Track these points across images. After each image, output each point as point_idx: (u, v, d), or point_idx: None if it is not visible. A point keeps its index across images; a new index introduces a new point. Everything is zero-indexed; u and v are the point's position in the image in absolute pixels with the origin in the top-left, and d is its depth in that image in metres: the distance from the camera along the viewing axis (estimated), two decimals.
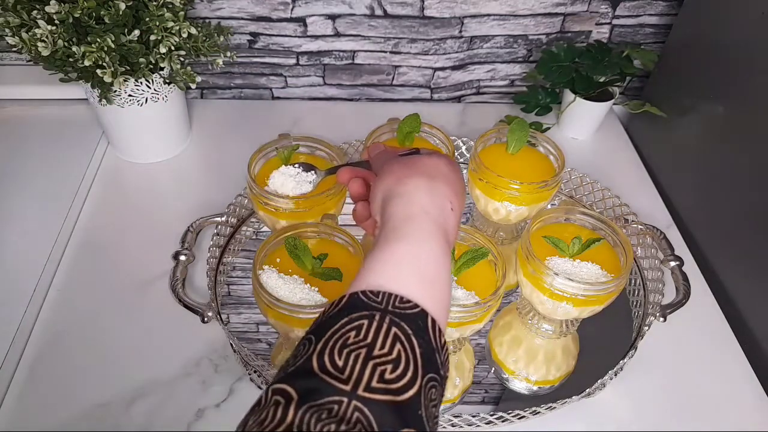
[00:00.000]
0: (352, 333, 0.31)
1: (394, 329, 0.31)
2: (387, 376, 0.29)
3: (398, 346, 0.31)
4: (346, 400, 0.28)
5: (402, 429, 0.28)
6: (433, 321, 0.33)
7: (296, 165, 0.61)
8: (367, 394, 0.28)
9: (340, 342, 0.31)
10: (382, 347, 0.31)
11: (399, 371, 0.30)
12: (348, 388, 0.29)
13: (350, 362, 0.30)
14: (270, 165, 0.65)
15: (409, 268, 0.35)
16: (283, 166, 0.62)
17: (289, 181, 0.60)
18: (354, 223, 0.73)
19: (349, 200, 0.75)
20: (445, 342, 0.34)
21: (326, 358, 0.30)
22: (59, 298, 0.65)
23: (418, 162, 0.43)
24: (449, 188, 0.42)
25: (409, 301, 0.33)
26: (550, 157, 0.69)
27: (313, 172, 0.60)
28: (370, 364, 0.30)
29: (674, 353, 0.65)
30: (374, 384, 0.29)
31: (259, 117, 0.92)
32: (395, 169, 0.43)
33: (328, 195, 0.61)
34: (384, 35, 0.89)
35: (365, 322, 0.32)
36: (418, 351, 0.31)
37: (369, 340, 0.31)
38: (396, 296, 0.33)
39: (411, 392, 0.30)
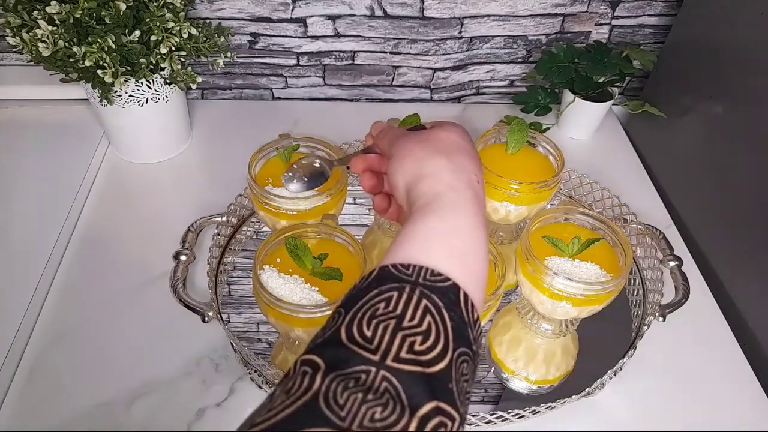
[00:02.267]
0: (382, 304, 0.31)
1: (424, 301, 0.31)
2: (417, 347, 0.29)
3: (428, 318, 0.30)
4: (374, 369, 0.28)
5: (431, 401, 0.27)
6: (465, 295, 0.32)
7: (295, 175, 0.54)
8: (395, 365, 0.28)
9: (369, 313, 0.30)
10: (412, 319, 0.30)
11: (429, 343, 0.29)
12: (376, 358, 0.28)
13: (379, 332, 0.29)
14: (270, 165, 0.66)
15: (438, 242, 0.35)
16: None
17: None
18: (354, 223, 0.74)
19: (349, 200, 0.76)
20: (478, 317, 0.33)
21: (355, 329, 0.30)
22: (60, 298, 0.66)
23: (434, 138, 0.42)
24: (470, 161, 0.41)
25: (440, 274, 0.32)
26: (550, 157, 0.69)
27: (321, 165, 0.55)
28: (400, 334, 0.29)
29: (673, 353, 0.65)
30: (403, 354, 0.28)
31: (260, 117, 0.93)
32: (411, 150, 0.41)
33: (328, 194, 0.61)
34: (384, 36, 0.89)
35: (395, 293, 0.31)
36: (449, 324, 0.30)
37: (399, 311, 0.30)
38: (426, 269, 0.32)
39: (441, 365, 0.29)
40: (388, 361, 0.28)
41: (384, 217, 0.50)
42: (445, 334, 0.30)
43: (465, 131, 0.44)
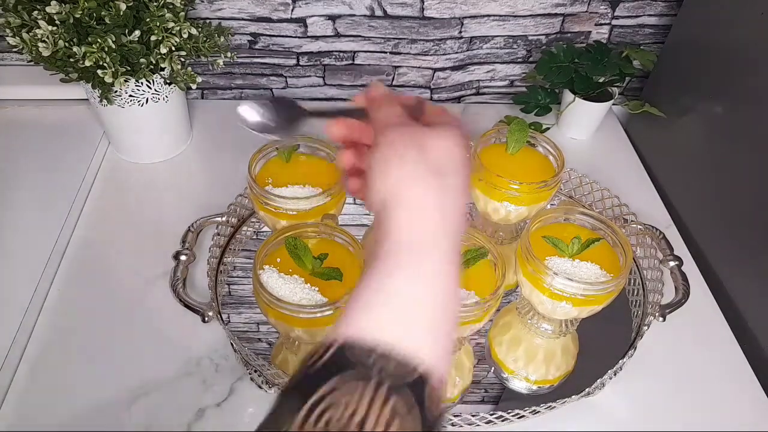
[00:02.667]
0: (342, 403, 0.26)
1: (390, 404, 0.26)
2: None
3: (395, 424, 0.26)
4: None
5: None
6: (434, 386, 0.28)
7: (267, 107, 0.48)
8: None
9: (327, 414, 0.26)
10: (376, 425, 0.26)
11: None
12: None
13: None
14: (270, 165, 0.66)
15: (410, 315, 0.30)
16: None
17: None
18: (354, 223, 0.73)
19: (349, 200, 0.76)
20: (442, 410, 0.29)
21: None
22: (60, 298, 0.66)
23: (429, 146, 0.34)
24: (461, 183, 0.34)
25: (407, 364, 0.28)
26: (550, 157, 0.69)
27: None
28: None
29: (673, 353, 0.65)
30: None
31: None
32: (403, 153, 0.34)
33: (328, 195, 0.61)
34: (384, 36, 0.89)
35: (357, 392, 0.26)
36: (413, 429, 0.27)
37: (361, 416, 0.26)
38: (392, 356, 0.28)
39: None
40: None
41: (362, 198, 0.43)
42: None
43: (460, 137, 0.36)
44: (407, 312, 0.30)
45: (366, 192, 0.37)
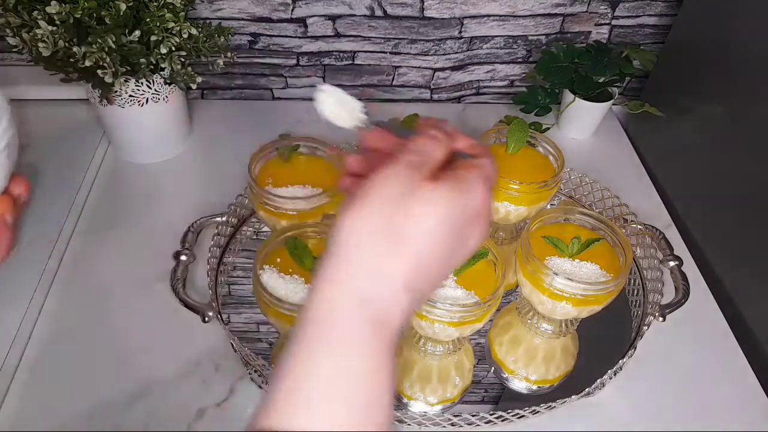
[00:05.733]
0: None
1: None
2: None
3: None
4: None
5: None
6: None
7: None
8: None
9: None
10: None
11: None
12: None
13: None
14: (270, 165, 0.66)
15: (329, 400, 0.26)
16: (343, 91, 0.47)
17: (338, 108, 0.47)
18: None
19: None
20: None
21: None
22: (60, 297, 0.65)
23: (403, 204, 0.29)
24: (415, 261, 0.29)
25: None
26: (550, 157, 0.69)
27: (367, 114, 0.46)
28: None
29: (673, 353, 0.65)
30: None
31: (260, 117, 0.93)
32: (374, 195, 0.29)
33: (328, 195, 0.61)
34: (384, 36, 0.89)
35: None
36: None
37: None
38: None
39: None
40: None
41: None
42: None
43: (464, 206, 0.31)
44: (329, 389, 0.27)
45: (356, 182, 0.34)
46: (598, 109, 0.89)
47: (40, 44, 0.63)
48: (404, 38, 0.90)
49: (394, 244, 0.29)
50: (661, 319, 0.62)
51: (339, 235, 0.29)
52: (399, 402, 0.60)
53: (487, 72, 0.97)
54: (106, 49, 0.64)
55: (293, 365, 0.27)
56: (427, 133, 0.34)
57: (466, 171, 0.32)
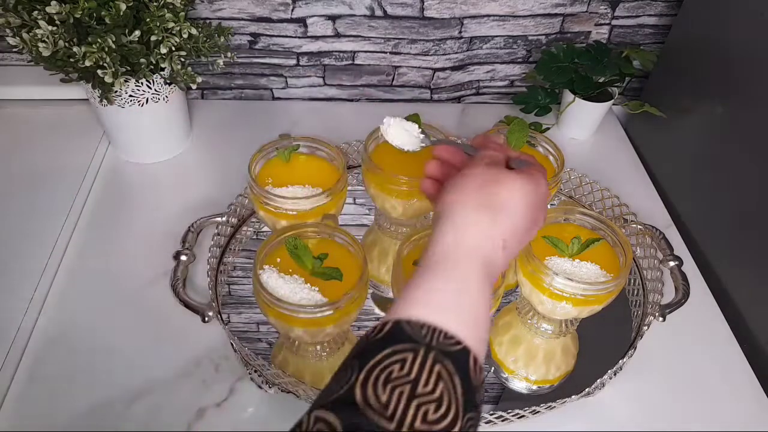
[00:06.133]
0: (396, 366, 0.31)
1: (437, 367, 0.32)
2: (430, 416, 0.30)
3: (441, 385, 0.31)
4: None
5: None
6: (475, 359, 0.34)
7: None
8: None
9: (384, 375, 0.31)
10: (426, 385, 0.31)
11: (441, 411, 0.30)
12: (392, 426, 0.29)
13: (394, 399, 0.30)
14: (270, 165, 0.66)
15: (453, 304, 0.35)
16: (401, 118, 0.58)
17: (403, 134, 0.57)
18: (354, 223, 0.74)
19: (349, 200, 0.76)
20: (483, 380, 0.35)
21: (370, 391, 0.30)
22: (60, 298, 0.66)
23: (492, 186, 0.41)
24: (510, 224, 0.40)
25: (452, 338, 0.33)
26: (550, 157, 0.69)
27: (424, 135, 0.57)
28: (414, 403, 0.30)
29: (673, 353, 0.65)
30: (417, 425, 0.29)
31: (260, 117, 0.93)
32: (467, 184, 0.42)
33: (328, 195, 0.61)
34: (384, 36, 0.89)
35: (409, 356, 0.32)
36: (459, 391, 0.32)
37: (413, 376, 0.31)
38: (440, 331, 0.33)
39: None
40: (403, 430, 0.29)
41: (429, 199, 0.52)
42: (456, 402, 0.31)
43: (538, 189, 0.43)
44: (447, 303, 0.35)
45: (437, 197, 0.47)
46: (598, 109, 0.89)
47: (40, 44, 0.63)
48: (404, 38, 0.90)
49: (493, 214, 0.40)
50: (661, 319, 0.62)
51: (450, 208, 0.40)
52: None
53: (487, 72, 0.97)
54: (106, 49, 0.64)
55: (420, 284, 0.36)
56: (488, 146, 0.48)
57: (534, 169, 0.44)
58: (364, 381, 0.31)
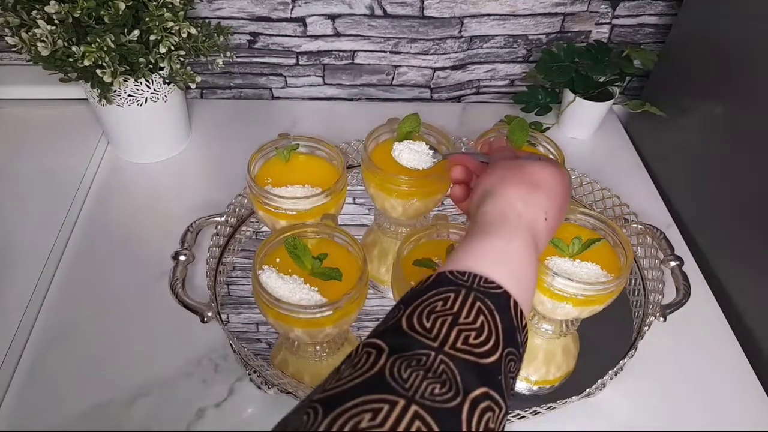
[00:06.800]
0: (439, 302, 0.34)
1: (478, 303, 0.34)
2: (471, 341, 0.32)
3: (482, 317, 0.33)
4: (433, 353, 0.31)
5: (482, 387, 0.30)
6: (515, 302, 0.35)
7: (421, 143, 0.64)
8: (452, 352, 0.31)
9: (428, 309, 0.33)
10: (467, 317, 0.33)
11: (482, 338, 0.32)
12: (435, 344, 0.31)
13: (437, 325, 0.32)
14: (270, 165, 0.65)
15: (496, 258, 0.38)
16: (408, 141, 0.64)
17: (414, 155, 0.62)
18: (354, 223, 0.74)
19: (349, 200, 0.76)
20: (525, 324, 0.36)
21: (415, 320, 0.33)
22: (59, 297, 0.65)
23: (524, 168, 0.45)
24: (548, 199, 0.43)
25: (493, 282, 0.35)
26: (550, 156, 0.69)
27: (434, 151, 0.63)
28: (456, 328, 0.32)
29: (674, 353, 0.65)
30: (459, 345, 0.31)
31: (259, 117, 0.92)
32: (500, 170, 0.45)
33: (328, 194, 0.61)
34: (384, 35, 0.89)
35: (452, 294, 0.34)
36: (500, 325, 0.33)
37: (455, 309, 0.33)
38: (481, 277, 0.35)
39: (492, 358, 0.32)
40: (446, 349, 0.31)
41: (457, 206, 0.55)
42: (496, 333, 0.33)
43: (563, 174, 0.46)
44: (491, 256, 0.38)
45: (468, 197, 0.51)
46: (599, 108, 0.89)
47: (39, 44, 0.63)
48: (404, 37, 0.89)
49: (532, 188, 0.43)
50: (662, 319, 0.62)
51: (491, 188, 0.44)
52: None
53: (488, 71, 0.96)
54: (105, 48, 0.64)
55: (462, 246, 0.39)
56: (501, 147, 0.55)
57: (548, 160, 0.48)
58: (410, 315, 0.33)
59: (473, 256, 0.38)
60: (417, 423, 0.27)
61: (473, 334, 0.32)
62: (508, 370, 0.33)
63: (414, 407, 0.27)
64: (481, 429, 0.29)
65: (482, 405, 0.29)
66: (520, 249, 0.39)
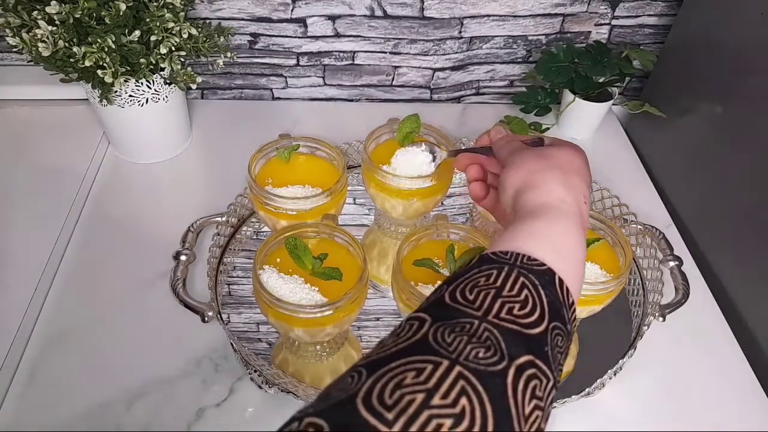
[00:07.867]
0: (482, 278, 0.33)
1: (522, 278, 0.33)
2: (515, 312, 0.31)
3: (526, 291, 0.33)
4: (477, 321, 0.30)
5: (527, 354, 0.29)
6: (561, 280, 0.34)
7: (419, 145, 0.62)
8: (496, 320, 0.30)
9: (471, 284, 0.33)
10: (511, 290, 0.32)
11: (527, 310, 0.32)
12: (479, 314, 0.31)
13: (480, 297, 0.32)
14: (270, 165, 0.65)
15: (541, 238, 0.37)
16: (408, 146, 0.63)
17: (413, 162, 0.61)
18: (354, 223, 0.74)
19: (349, 200, 0.76)
20: (573, 302, 0.35)
21: (458, 294, 0.32)
22: (60, 298, 0.66)
23: (552, 154, 0.44)
24: (582, 181, 0.42)
25: (536, 260, 0.35)
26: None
27: (434, 153, 0.61)
28: (499, 300, 0.32)
29: (673, 353, 0.65)
30: (503, 315, 0.31)
31: (260, 117, 0.93)
32: (527, 161, 0.43)
33: (328, 194, 0.61)
34: (384, 36, 0.89)
35: (494, 271, 0.34)
36: (545, 299, 0.33)
37: (498, 284, 0.33)
38: (524, 255, 0.35)
39: (538, 330, 0.31)
40: (490, 318, 0.31)
41: (478, 204, 0.53)
42: (541, 307, 0.32)
43: (581, 152, 0.45)
44: (537, 236, 0.37)
45: (486, 194, 0.51)
46: (598, 109, 0.89)
47: (40, 44, 0.63)
48: (404, 38, 0.90)
49: (564, 172, 0.42)
50: (661, 319, 0.62)
51: (522, 182, 0.42)
52: None
53: (487, 72, 0.97)
54: (106, 49, 0.64)
55: (516, 228, 0.38)
56: (501, 136, 0.51)
57: (564, 141, 0.47)
58: (452, 290, 0.33)
59: (515, 237, 0.37)
60: (461, 382, 0.27)
61: (517, 306, 0.31)
62: (555, 344, 0.32)
63: (458, 368, 0.27)
64: (527, 395, 0.28)
65: (528, 372, 0.29)
66: (566, 229, 0.38)
